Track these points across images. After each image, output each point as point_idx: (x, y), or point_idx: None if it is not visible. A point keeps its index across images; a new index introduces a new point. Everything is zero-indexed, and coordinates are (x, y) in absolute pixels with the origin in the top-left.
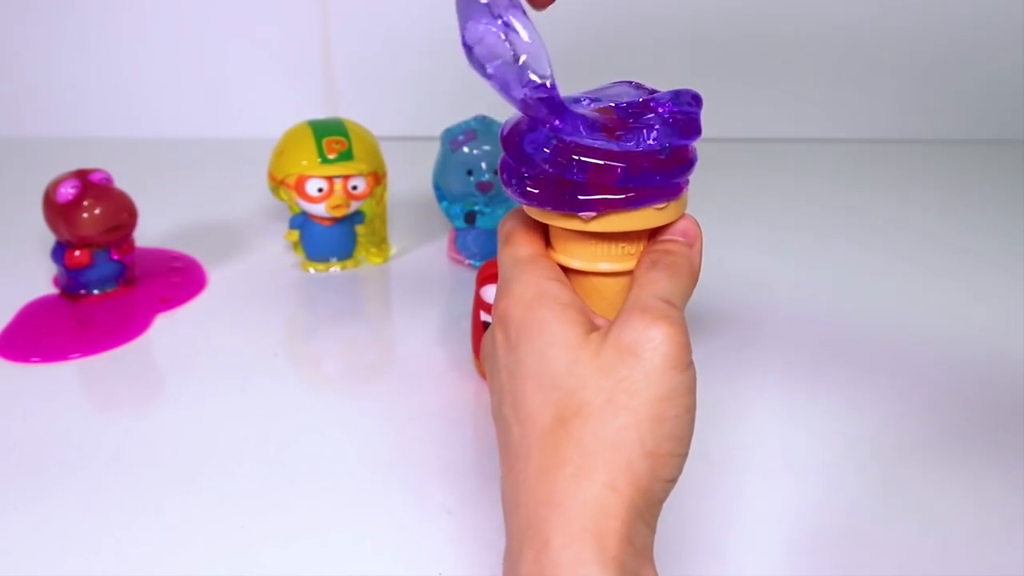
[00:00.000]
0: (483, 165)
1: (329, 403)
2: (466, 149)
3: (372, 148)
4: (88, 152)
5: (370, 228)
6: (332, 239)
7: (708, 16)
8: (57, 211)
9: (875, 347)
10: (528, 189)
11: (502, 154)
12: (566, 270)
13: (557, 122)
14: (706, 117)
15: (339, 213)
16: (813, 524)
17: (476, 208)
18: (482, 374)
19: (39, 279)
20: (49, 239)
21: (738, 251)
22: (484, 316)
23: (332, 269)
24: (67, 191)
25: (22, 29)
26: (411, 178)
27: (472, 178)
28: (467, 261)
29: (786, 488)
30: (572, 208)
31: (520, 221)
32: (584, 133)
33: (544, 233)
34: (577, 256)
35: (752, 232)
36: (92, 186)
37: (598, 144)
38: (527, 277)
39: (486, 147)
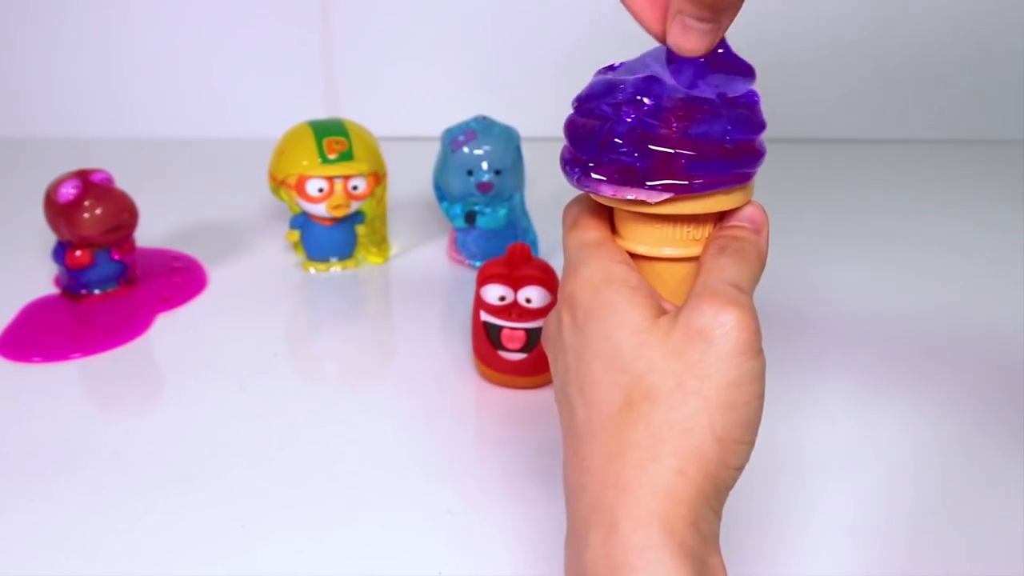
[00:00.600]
0: (483, 165)
1: (329, 403)
2: (466, 149)
3: (372, 148)
4: (88, 152)
5: (370, 228)
6: (332, 239)
7: None
8: (58, 211)
9: (881, 347)
10: (593, 176)
11: (564, 143)
12: (630, 256)
13: (628, 112)
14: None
15: (339, 213)
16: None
17: (476, 208)
18: (482, 374)
19: (40, 279)
20: (50, 239)
21: None
22: (484, 316)
23: (332, 269)
24: (68, 191)
25: (22, 29)
26: (411, 178)
27: (472, 178)
28: (467, 261)
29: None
30: (640, 191)
31: (587, 206)
32: (655, 122)
33: (609, 219)
34: (642, 241)
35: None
36: (93, 186)
37: (666, 132)
38: (595, 260)
39: (486, 147)
